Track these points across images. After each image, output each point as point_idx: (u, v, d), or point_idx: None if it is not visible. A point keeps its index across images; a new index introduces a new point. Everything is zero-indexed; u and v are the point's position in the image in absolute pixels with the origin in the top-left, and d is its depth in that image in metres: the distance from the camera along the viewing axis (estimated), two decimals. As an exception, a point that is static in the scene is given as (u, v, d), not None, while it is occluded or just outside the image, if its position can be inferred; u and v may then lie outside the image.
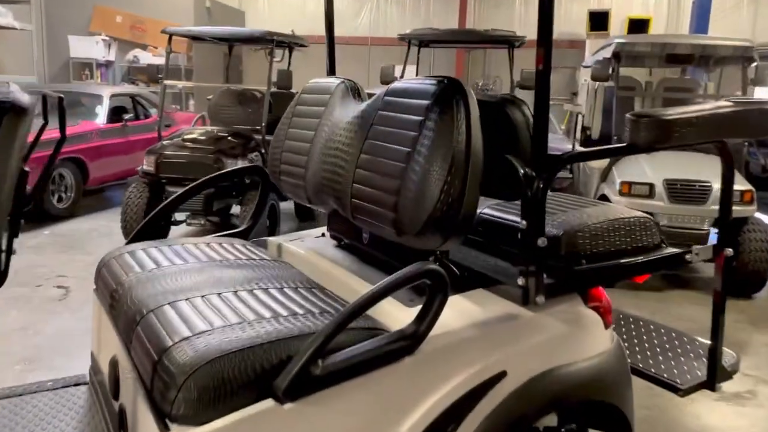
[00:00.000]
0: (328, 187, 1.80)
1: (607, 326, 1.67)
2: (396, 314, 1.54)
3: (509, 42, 6.54)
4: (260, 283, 1.65)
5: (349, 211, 1.70)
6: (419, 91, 1.54)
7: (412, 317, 1.43)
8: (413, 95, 1.56)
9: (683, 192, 4.77)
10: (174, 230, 5.67)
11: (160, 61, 8.39)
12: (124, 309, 1.57)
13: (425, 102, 1.50)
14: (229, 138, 5.65)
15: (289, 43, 6.34)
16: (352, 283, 1.75)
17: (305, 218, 6.70)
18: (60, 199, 6.62)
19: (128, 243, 2.09)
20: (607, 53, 5.39)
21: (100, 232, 6.11)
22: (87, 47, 11.26)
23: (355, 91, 1.97)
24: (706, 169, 4.79)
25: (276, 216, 5.54)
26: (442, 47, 8.29)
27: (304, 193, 1.96)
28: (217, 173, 2.27)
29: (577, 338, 1.60)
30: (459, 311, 1.51)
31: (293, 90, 6.10)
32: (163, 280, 1.64)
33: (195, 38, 6.40)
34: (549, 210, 1.82)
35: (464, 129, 1.41)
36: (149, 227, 2.17)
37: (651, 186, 4.79)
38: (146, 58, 11.28)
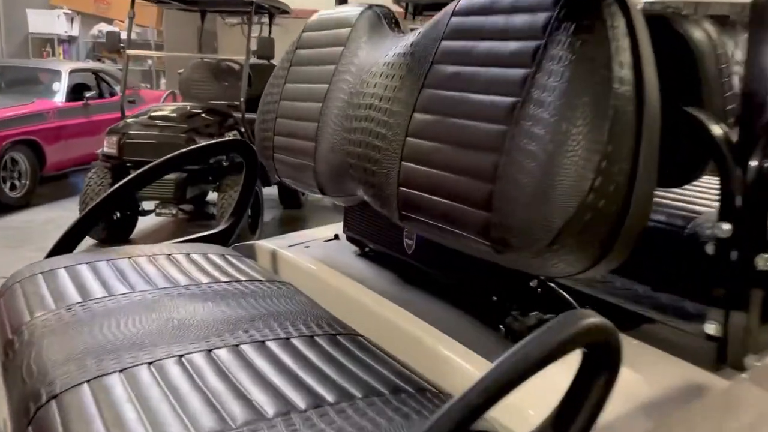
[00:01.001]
0: (357, 167, 1.14)
1: None
2: None
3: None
4: (251, 328, 1.00)
5: (394, 207, 1.05)
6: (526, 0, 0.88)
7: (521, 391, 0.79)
8: (514, 8, 0.90)
9: None
10: (142, 221, 4.97)
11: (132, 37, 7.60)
12: (18, 381, 0.91)
13: (543, 15, 0.84)
14: (203, 115, 4.94)
15: (269, 8, 5.61)
16: (398, 321, 1.10)
17: (291, 205, 6.02)
18: (13, 187, 5.85)
19: (55, 251, 1.42)
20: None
21: (58, 224, 5.37)
22: (47, 22, 10.36)
23: (391, 20, 1.31)
24: None
25: (259, 205, 4.86)
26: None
27: (314, 177, 1.31)
28: (185, 149, 1.59)
29: None
30: None
31: (275, 62, 5.39)
32: (88, 328, 0.98)
33: (161, 2, 5.64)
34: (697, 194, 1.19)
35: (629, 59, 0.76)
36: (100, 215, 1.50)
37: None
38: (112, 33, 10.43)
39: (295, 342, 0.97)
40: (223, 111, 5.13)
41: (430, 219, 0.97)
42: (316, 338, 0.99)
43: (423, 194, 0.98)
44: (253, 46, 5.16)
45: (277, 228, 5.45)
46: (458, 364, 0.95)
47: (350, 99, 1.20)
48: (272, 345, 0.95)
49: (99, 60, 10.28)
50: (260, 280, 1.24)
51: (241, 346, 0.93)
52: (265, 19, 6.12)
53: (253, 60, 5.19)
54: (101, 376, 0.84)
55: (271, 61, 5.41)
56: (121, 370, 0.85)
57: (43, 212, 5.79)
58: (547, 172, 0.77)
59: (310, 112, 1.31)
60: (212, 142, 1.63)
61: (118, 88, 7.35)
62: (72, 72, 6.87)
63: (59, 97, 6.54)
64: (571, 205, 0.74)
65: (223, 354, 0.91)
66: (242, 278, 1.24)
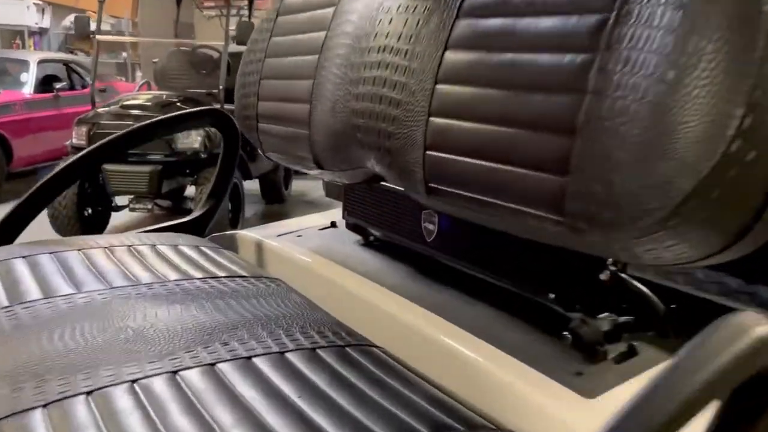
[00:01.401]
0: (367, 130, 0.89)
1: None
2: (554, 411, 0.66)
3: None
4: (233, 339, 0.75)
5: (418, 179, 0.80)
6: None
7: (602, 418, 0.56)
8: None
9: None
10: (115, 218, 4.68)
11: (105, 28, 7.26)
12: None
13: None
14: (179, 104, 4.64)
15: (249, -7, 5.34)
16: (425, 328, 0.85)
17: (273, 199, 5.74)
18: (-23, 184, 5.53)
19: None
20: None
21: (25, 221, 5.05)
22: (17, 13, 9.98)
23: None
24: None
25: (239, 199, 4.58)
26: None
27: (309, 148, 1.06)
28: (155, 119, 1.32)
29: None
30: None
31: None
32: (10, 344, 0.72)
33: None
34: None
35: None
36: (48, 197, 1.24)
37: None
38: (85, 24, 10.06)
39: (292, 357, 0.72)
40: (200, 100, 4.84)
41: (470, 190, 0.73)
42: (320, 351, 0.74)
43: (460, 158, 0.73)
44: (232, 30, 4.90)
45: (260, 223, 5.17)
46: (518, 388, 0.71)
47: (356, 43, 0.95)
48: (261, 362, 0.70)
49: (71, 52, 9.91)
50: (243, 276, 0.99)
51: (219, 364, 0.68)
52: (244, 11, 5.84)
53: (233, 47, 4.92)
54: (18, 412, 0.59)
55: (252, 47, 5.13)
56: (45, 405, 0.60)
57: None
58: (665, 111, 0.53)
59: (303, 67, 1.06)
60: (186, 111, 1.37)
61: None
62: (41, 62, 6.53)
63: (27, 89, 6.21)
64: (707, 159, 0.51)
65: (193, 377, 0.66)
66: (221, 274, 0.99)
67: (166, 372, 0.66)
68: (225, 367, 0.68)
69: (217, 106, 4.73)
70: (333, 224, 1.32)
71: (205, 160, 4.42)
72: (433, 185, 0.79)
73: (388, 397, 0.65)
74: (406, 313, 0.89)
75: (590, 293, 0.79)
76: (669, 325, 0.78)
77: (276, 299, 0.90)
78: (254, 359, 0.71)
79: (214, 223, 1.41)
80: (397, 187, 1.05)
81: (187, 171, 4.53)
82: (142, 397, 0.61)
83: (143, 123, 1.29)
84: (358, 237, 1.22)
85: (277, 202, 5.74)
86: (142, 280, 0.93)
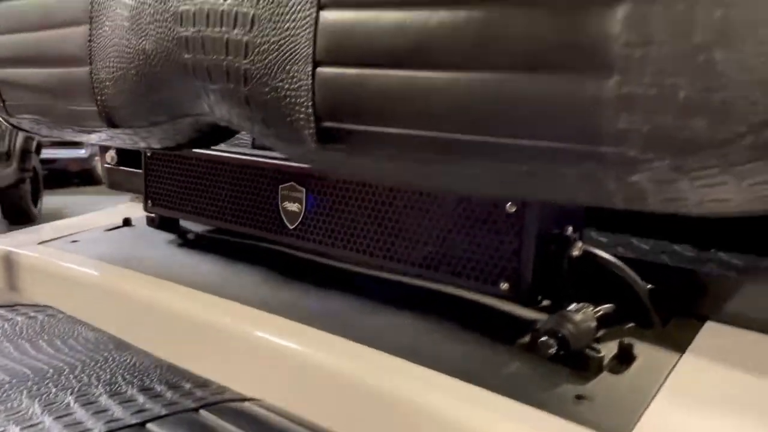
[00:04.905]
0: (202, 44, 0.55)
1: None
2: None
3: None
4: None
5: (302, 117, 0.49)
6: None
7: None
8: None
9: None
10: None
11: None
12: None
13: None
14: None
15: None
16: (312, 354, 0.54)
17: (19, 220, 4.82)
18: None
19: None
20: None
21: None
22: None
23: None
24: None
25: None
26: None
27: (90, 95, 0.67)
28: None
29: None
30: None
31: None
32: None
33: None
34: None
35: None
36: None
37: None
38: None
39: None
40: None
41: (406, 125, 0.44)
42: (152, 426, 0.40)
43: (384, 71, 0.44)
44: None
45: None
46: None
47: None
48: None
49: None
50: None
51: None
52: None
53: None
54: None
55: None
56: None
57: None
58: None
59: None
60: None
61: None
62: None
63: None
64: None
65: None
66: None
67: None
68: None
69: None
70: (127, 222, 0.93)
71: None
72: (329, 125, 0.48)
73: None
74: (288, 338, 0.57)
75: (559, 278, 0.55)
76: (657, 311, 0.58)
77: (49, 339, 0.52)
78: None
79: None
80: (243, 154, 0.73)
81: None
82: None
83: None
84: (169, 236, 0.86)
85: (24, 223, 4.82)
86: None
